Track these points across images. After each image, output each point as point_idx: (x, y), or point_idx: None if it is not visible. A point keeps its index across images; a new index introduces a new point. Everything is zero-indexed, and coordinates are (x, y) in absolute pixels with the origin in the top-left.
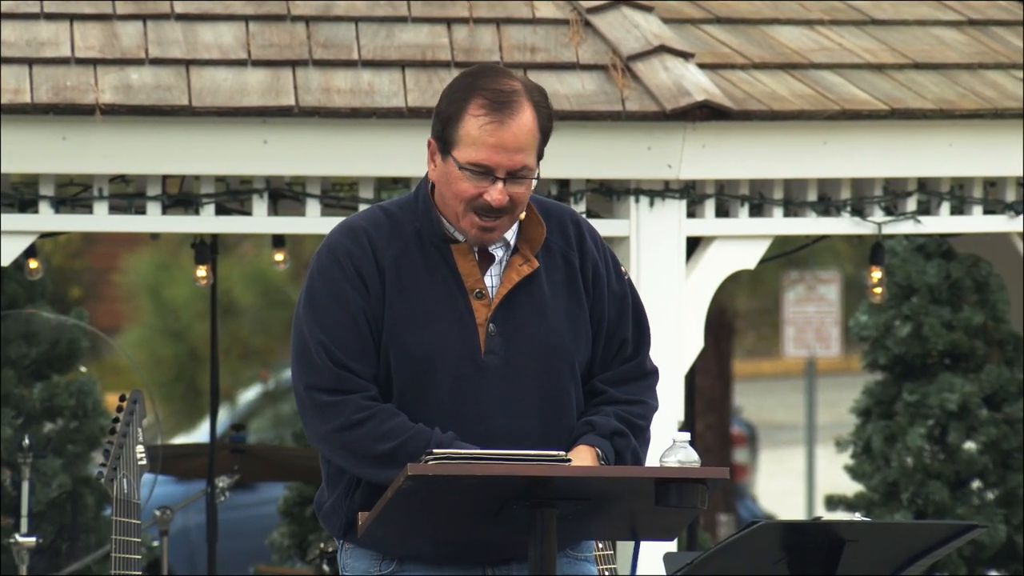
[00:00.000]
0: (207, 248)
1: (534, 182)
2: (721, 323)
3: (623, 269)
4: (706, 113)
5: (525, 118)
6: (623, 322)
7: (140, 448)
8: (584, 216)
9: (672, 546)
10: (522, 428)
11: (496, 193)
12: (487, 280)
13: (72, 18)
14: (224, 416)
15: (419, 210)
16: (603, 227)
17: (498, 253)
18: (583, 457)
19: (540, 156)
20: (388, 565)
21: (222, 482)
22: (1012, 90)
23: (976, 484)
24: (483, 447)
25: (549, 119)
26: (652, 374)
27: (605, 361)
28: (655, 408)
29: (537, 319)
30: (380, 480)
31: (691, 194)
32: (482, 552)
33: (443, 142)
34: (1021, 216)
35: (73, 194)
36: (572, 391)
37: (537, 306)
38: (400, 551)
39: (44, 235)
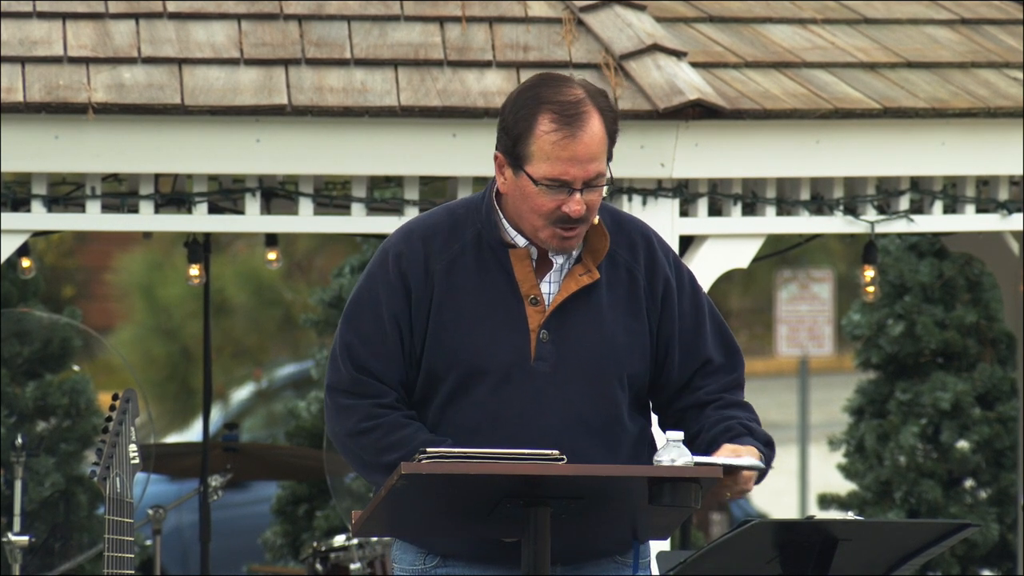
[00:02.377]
0: (200, 247)
1: (606, 187)
2: None
3: (698, 284)
4: (699, 112)
5: (594, 127)
6: (701, 338)
7: (133, 447)
8: (656, 232)
9: (665, 545)
10: (566, 435)
11: (574, 204)
12: (544, 287)
13: (65, 17)
14: (217, 415)
15: (483, 213)
16: None
17: (558, 260)
18: (751, 452)
19: (609, 158)
20: (432, 560)
21: (215, 481)
22: (1005, 89)
23: (969, 483)
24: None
25: (615, 121)
26: (743, 387)
27: (684, 373)
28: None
29: (591, 329)
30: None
31: (684, 193)
32: None
33: (513, 157)
34: (1013, 215)
35: (66, 193)
36: (621, 402)
37: (593, 316)
38: (442, 547)
39: (36, 234)
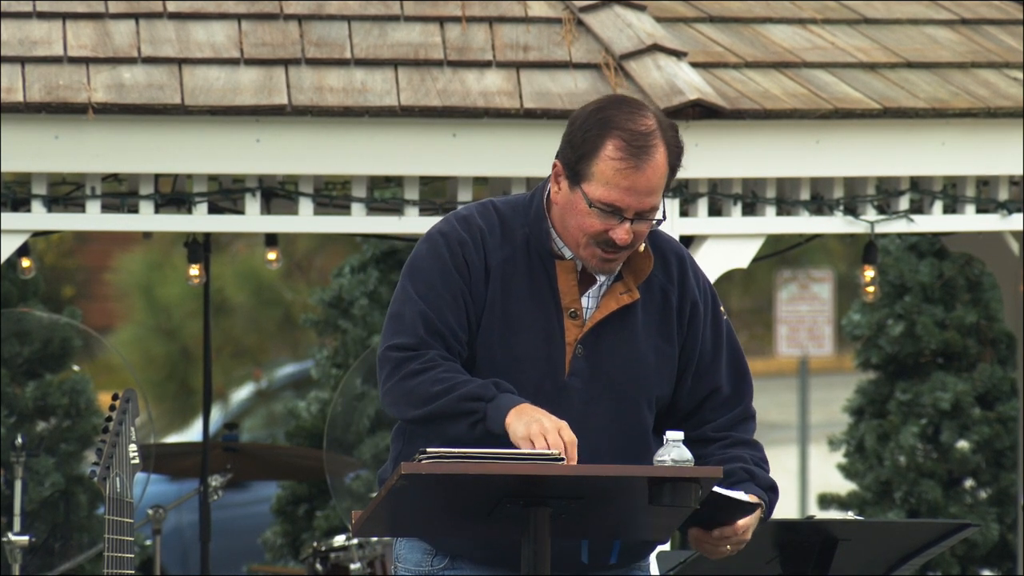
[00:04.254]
0: (200, 247)
1: (657, 219)
2: None
3: (721, 309)
4: (699, 112)
5: (659, 160)
6: (715, 365)
7: (133, 447)
8: (687, 251)
9: (665, 545)
10: (592, 451)
11: (622, 232)
12: (584, 301)
13: (65, 17)
14: (217, 415)
15: (531, 218)
16: None
17: (600, 277)
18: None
19: (666, 191)
20: (440, 561)
21: (215, 481)
22: (1005, 89)
23: (969, 483)
24: None
25: (679, 156)
26: (753, 418)
27: (694, 399)
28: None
29: (626, 349)
30: (431, 414)
31: (684, 193)
32: None
33: (573, 172)
34: (1013, 215)
35: (66, 193)
36: (648, 422)
37: (628, 336)
38: (450, 547)
39: (37, 234)
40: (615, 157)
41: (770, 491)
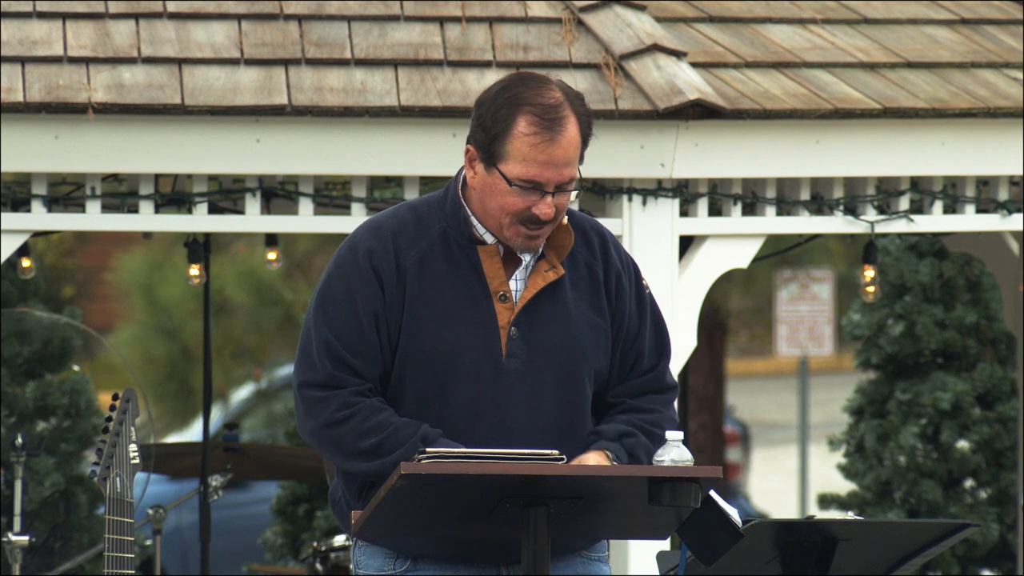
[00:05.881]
0: (200, 247)
1: (575, 191)
2: (714, 322)
3: (644, 282)
4: (699, 112)
5: (571, 131)
6: (641, 335)
7: (133, 447)
8: (607, 228)
9: (665, 545)
10: (540, 431)
11: (545, 207)
12: (512, 284)
13: (65, 17)
14: (217, 415)
15: (447, 210)
16: None
17: (525, 257)
18: (592, 460)
19: (581, 161)
20: (402, 564)
21: (215, 481)
22: (1005, 89)
23: (969, 483)
24: (499, 447)
25: (589, 126)
26: (671, 389)
27: (622, 373)
28: (672, 420)
29: (559, 325)
30: (367, 473)
31: (684, 193)
32: (496, 552)
33: (488, 155)
34: (1013, 215)
35: (66, 193)
36: (589, 395)
37: (560, 312)
38: (412, 550)
39: (37, 234)
40: (528, 132)
41: (623, 437)
